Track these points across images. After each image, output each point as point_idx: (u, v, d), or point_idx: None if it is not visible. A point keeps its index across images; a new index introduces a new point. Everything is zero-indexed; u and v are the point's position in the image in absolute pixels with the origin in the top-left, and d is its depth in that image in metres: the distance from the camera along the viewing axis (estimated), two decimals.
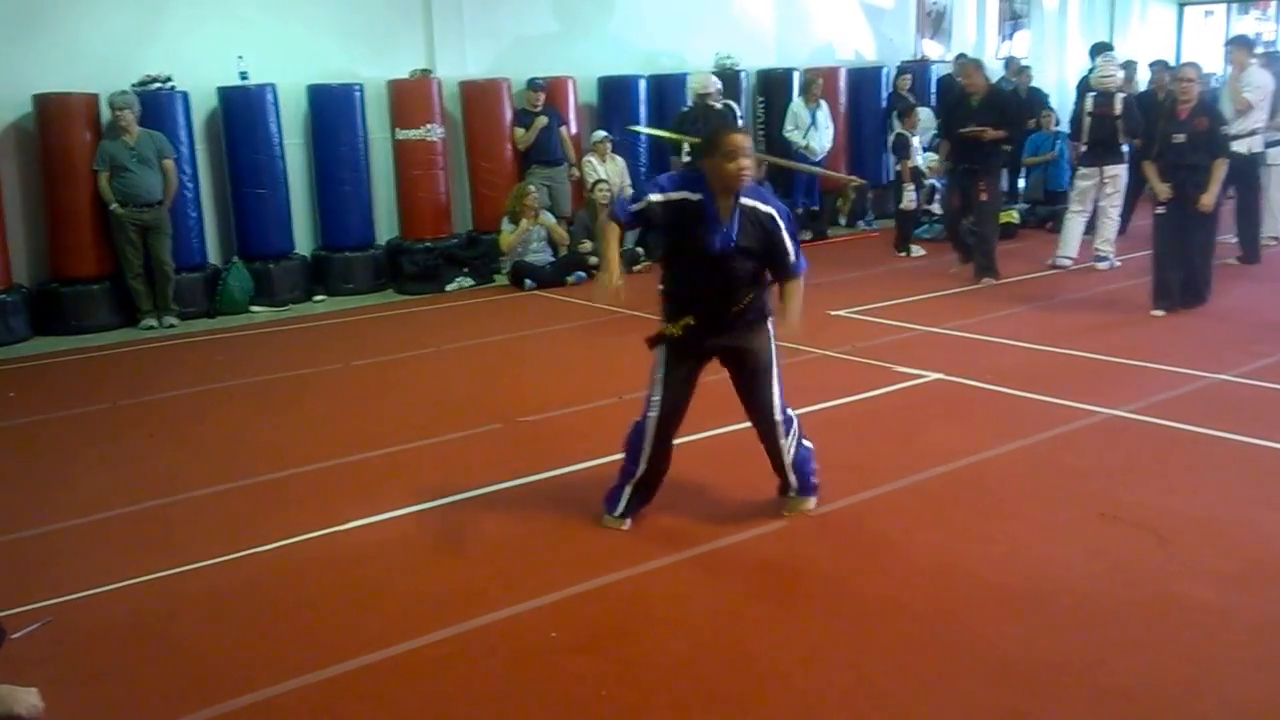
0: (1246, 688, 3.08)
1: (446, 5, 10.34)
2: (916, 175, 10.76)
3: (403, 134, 9.89)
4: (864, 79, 12.82)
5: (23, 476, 5.29)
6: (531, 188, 9.85)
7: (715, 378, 4.31)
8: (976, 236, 9.17)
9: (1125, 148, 9.25)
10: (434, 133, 9.90)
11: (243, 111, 9.19)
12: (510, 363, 7.16)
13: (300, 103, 9.58)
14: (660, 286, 4.23)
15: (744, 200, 3.95)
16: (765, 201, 4.03)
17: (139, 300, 8.59)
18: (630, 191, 9.46)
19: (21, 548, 4.39)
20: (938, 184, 10.76)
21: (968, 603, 3.61)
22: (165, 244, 8.56)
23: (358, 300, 9.49)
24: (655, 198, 3.97)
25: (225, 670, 3.37)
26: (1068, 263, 9.35)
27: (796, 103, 11.67)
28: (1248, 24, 17.43)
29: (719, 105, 10.32)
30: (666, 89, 11.27)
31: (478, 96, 10.37)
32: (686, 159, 9.62)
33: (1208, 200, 7.39)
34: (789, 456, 4.22)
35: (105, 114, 8.49)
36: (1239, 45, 9.57)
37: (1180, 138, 7.46)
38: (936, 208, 10.91)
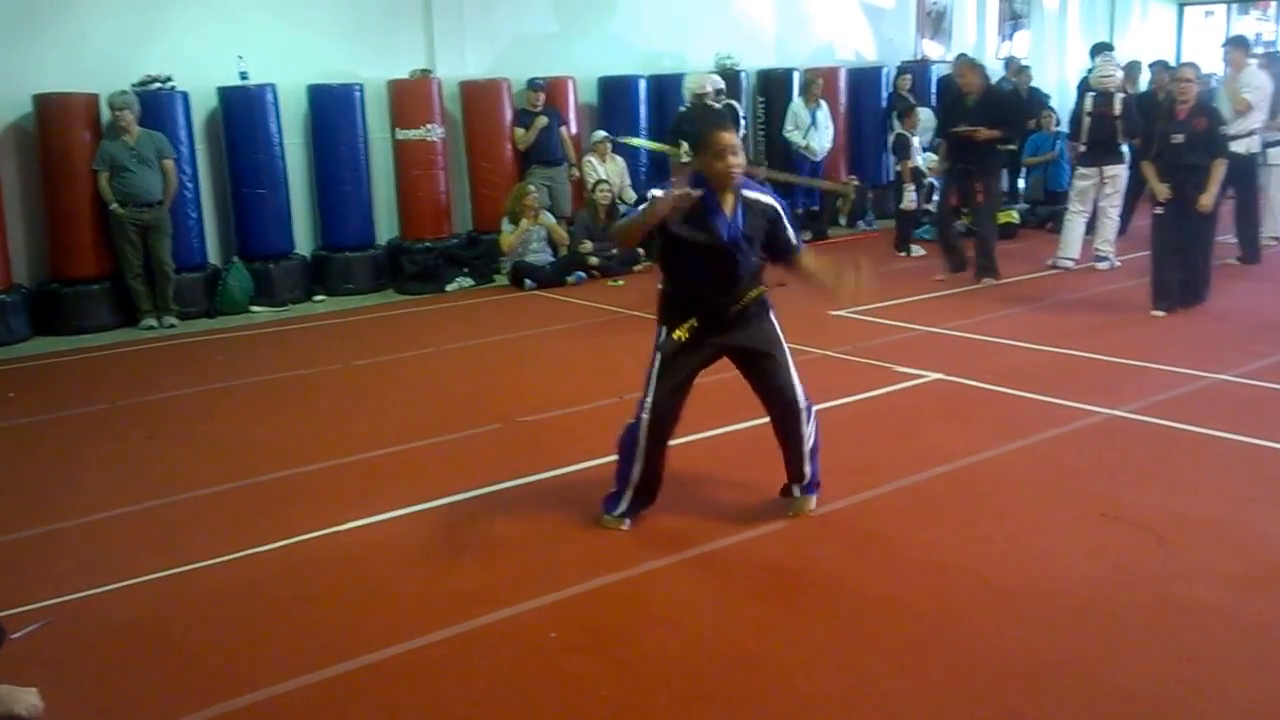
0: (1247, 688, 3.08)
1: (446, 5, 10.34)
2: (917, 175, 10.75)
3: (403, 134, 9.89)
4: (864, 79, 12.82)
5: (23, 477, 5.29)
6: (531, 188, 9.86)
7: (715, 378, 4.31)
8: (976, 237, 9.17)
9: (1125, 148, 9.25)
10: (434, 133, 9.90)
11: (243, 111, 9.19)
12: (510, 363, 7.15)
13: (300, 103, 9.58)
14: (659, 288, 4.21)
15: (745, 193, 4.03)
16: (766, 194, 4.11)
17: (139, 300, 8.59)
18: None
19: (22, 548, 4.38)
20: (937, 184, 10.75)
21: (968, 603, 3.61)
22: (165, 244, 8.56)
23: (358, 300, 9.49)
24: (658, 193, 3.98)
25: (226, 670, 3.37)
26: (1069, 264, 9.35)
27: (796, 103, 11.68)
28: (1248, 24, 17.41)
29: (719, 105, 10.31)
30: (666, 89, 11.25)
31: (478, 96, 10.37)
32: (686, 159, 9.61)
33: (1207, 200, 7.39)
34: (808, 445, 4.21)
35: (105, 114, 8.49)
36: (1236, 46, 9.60)
37: (1179, 138, 7.46)
38: (934, 207, 10.91)
